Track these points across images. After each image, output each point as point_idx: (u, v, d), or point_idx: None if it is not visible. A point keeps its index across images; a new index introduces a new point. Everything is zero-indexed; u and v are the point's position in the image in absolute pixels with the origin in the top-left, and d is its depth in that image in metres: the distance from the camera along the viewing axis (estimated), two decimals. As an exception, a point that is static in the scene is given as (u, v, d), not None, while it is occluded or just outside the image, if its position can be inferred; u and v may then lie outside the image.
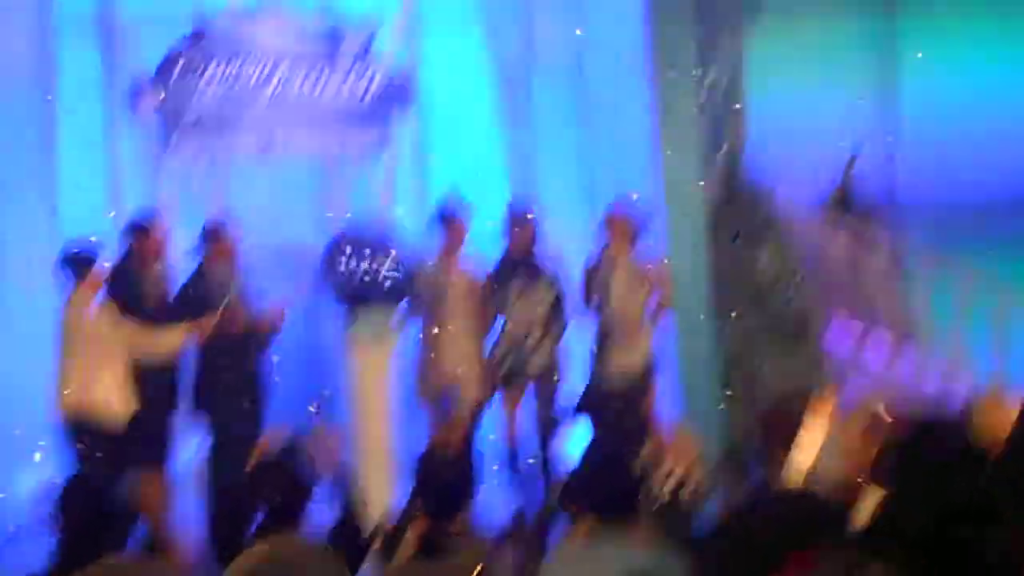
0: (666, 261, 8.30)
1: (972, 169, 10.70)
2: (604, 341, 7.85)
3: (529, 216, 8.02)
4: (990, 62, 10.54)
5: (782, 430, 5.14)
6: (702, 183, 8.66)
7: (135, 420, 7.13)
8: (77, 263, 7.15)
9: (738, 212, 8.70)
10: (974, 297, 9.10)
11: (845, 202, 10.49)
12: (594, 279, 7.91)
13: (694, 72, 8.53)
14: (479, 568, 4.19)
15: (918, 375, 9.03)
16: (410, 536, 4.71)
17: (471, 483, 4.89)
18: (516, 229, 7.93)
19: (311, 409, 7.82)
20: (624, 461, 4.71)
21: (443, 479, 4.78)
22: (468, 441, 7.89)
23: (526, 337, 7.92)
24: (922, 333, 9.30)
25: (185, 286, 7.54)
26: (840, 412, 6.42)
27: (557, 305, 7.94)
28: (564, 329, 8.00)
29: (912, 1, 10.61)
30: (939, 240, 10.50)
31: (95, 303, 7.11)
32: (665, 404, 8.07)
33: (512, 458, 8.03)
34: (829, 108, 10.52)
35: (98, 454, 6.93)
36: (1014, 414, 5.01)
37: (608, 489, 4.27)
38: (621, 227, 7.84)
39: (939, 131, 10.67)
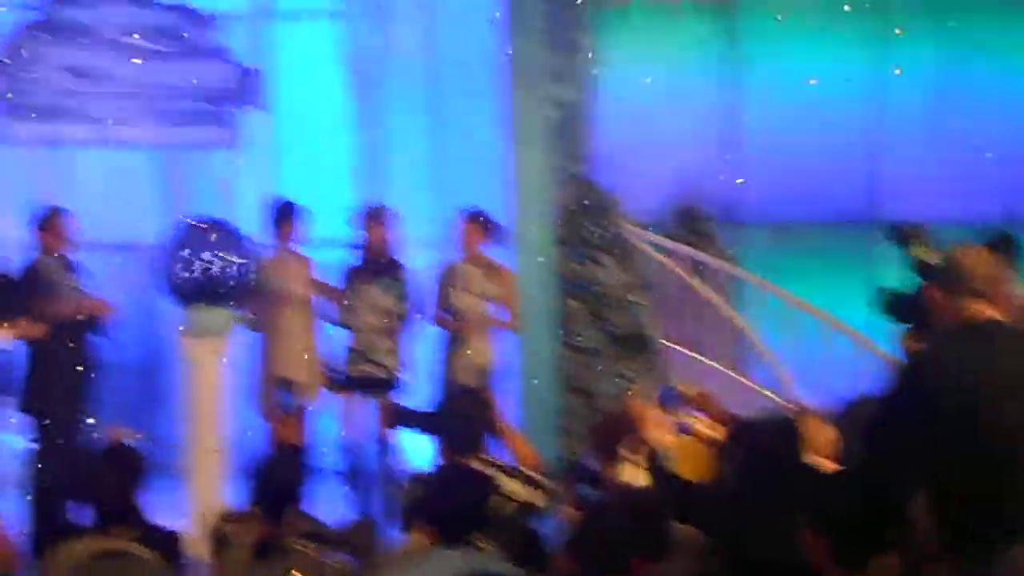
0: (514, 269, 8.36)
1: (809, 187, 10.99)
2: (450, 346, 7.85)
3: (384, 216, 7.98)
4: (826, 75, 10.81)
5: (611, 441, 5.21)
6: (551, 195, 8.74)
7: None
8: None
9: (586, 224, 8.80)
10: (800, 318, 9.33)
11: (689, 214, 10.69)
12: (443, 284, 7.91)
13: (548, 89, 8.62)
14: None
15: (748, 397, 9.23)
16: (242, 538, 4.65)
17: (302, 484, 4.84)
18: (370, 228, 7.89)
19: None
20: (465, 472, 4.72)
21: (275, 480, 4.72)
22: (301, 442, 7.83)
23: (369, 338, 7.87)
24: (752, 357, 9.51)
25: (18, 276, 7.32)
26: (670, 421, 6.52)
27: (402, 308, 7.91)
28: (408, 332, 7.96)
29: (753, 28, 10.86)
30: (774, 258, 10.77)
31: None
32: (507, 411, 8.10)
33: (351, 463, 7.98)
34: (675, 124, 10.70)
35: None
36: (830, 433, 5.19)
37: (449, 501, 4.26)
38: (471, 233, 7.85)
39: (779, 148, 10.92)
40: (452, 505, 4.22)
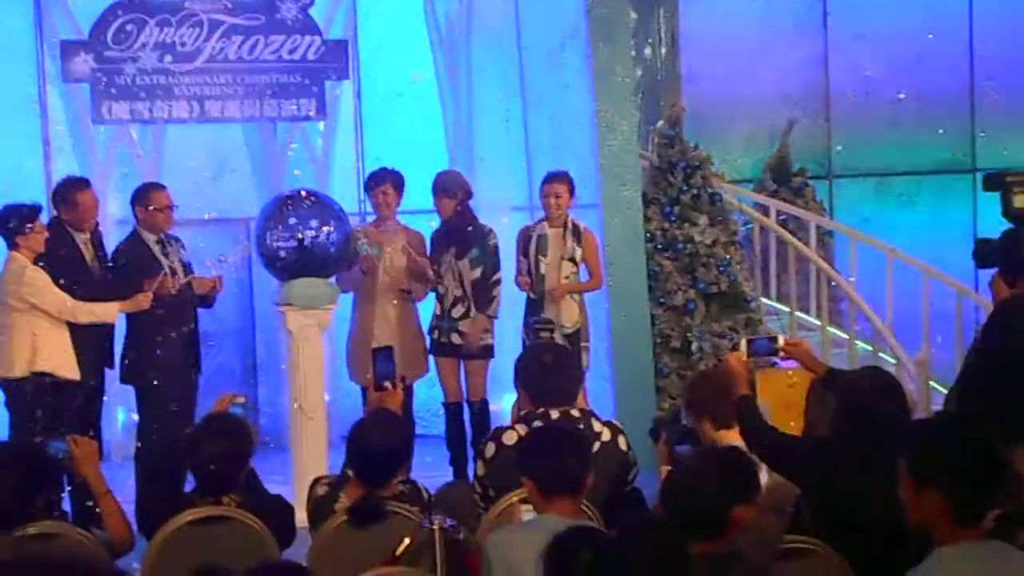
0: (604, 229, 8.36)
1: (903, 138, 10.87)
2: (533, 312, 7.86)
3: (460, 183, 7.97)
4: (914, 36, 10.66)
5: (706, 397, 5.21)
6: (640, 153, 8.72)
7: (75, 385, 7.09)
8: (14, 226, 7.05)
9: (676, 182, 8.76)
10: (900, 271, 9.23)
11: (783, 168, 10.61)
12: (527, 248, 7.92)
13: (631, 47, 8.58)
14: (407, 540, 4.19)
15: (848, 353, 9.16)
16: (342, 504, 4.72)
17: (403, 450, 4.88)
18: (446, 196, 7.89)
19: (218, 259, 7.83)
20: (559, 428, 4.75)
21: (375, 446, 4.77)
22: (402, 410, 7.91)
23: (452, 308, 7.91)
24: (850, 312, 9.42)
25: (118, 252, 7.46)
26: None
27: (484, 276, 7.91)
28: (490, 300, 7.96)
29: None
30: (871, 211, 10.67)
31: (32, 268, 7.03)
32: (596, 372, 8.13)
33: (449, 426, 8.04)
34: (765, 80, 10.61)
35: (39, 416, 6.88)
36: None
37: (545, 456, 4.28)
38: (553, 195, 7.83)
39: (872, 99, 10.80)
40: (549, 460, 4.24)
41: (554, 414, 5.04)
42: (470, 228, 7.86)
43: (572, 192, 7.85)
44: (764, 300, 9.44)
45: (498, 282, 7.91)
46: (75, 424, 6.73)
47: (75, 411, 7.04)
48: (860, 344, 9.31)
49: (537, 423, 5.01)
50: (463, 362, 7.96)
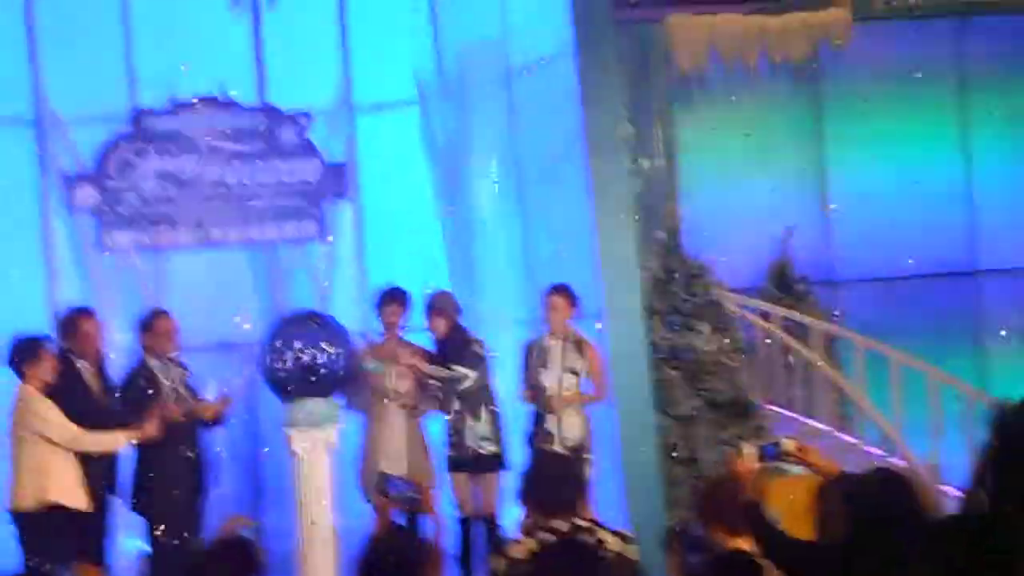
0: (607, 340, 8.35)
1: (904, 241, 10.92)
2: (538, 421, 7.86)
3: (450, 302, 8.04)
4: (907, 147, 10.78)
5: (717, 505, 5.17)
6: (640, 265, 8.75)
7: (83, 514, 7.05)
8: (26, 356, 7.07)
9: (678, 292, 8.79)
10: (907, 375, 9.20)
11: (783, 276, 10.65)
12: (529, 359, 7.94)
13: (627, 160, 8.66)
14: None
15: (858, 455, 9.10)
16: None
17: (416, 570, 4.83)
18: (438, 315, 7.96)
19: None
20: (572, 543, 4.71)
21: (386, 567, 4.72)
22: (411, 527, 7.85)
23: (462, 421, 7.91)
24: (858, 417, 9.39)
25: (125, 378, 7.47)
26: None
27: (482, 386, 7.94)
28: (495, 411, 7.97)
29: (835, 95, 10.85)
30: (874, 315, 10.67)
31: (41, 399, 7.04)
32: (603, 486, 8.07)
33: (461, 542, 7.98)
34: (762, 188, 10.70)
35: (49, 547, 6.82)
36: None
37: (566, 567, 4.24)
38: (555, 308, 7.87)
39: (865, 210, 10.87)
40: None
41: (562, 526, 4.99)
42: (463, 342, 7.91)
43: (573, 303, 7.88)
44: (771, 407, 9.41)
45: (466, 377, 7.89)
46: (83, 554, 6.70)
47: (82, 541, 6.99)
48: (871, 448, 9.26)
49: (544, 534, 4.96)
50: (474, 477, 7.94)
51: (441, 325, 7.92)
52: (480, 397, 7.91)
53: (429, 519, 5.24)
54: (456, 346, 7.89)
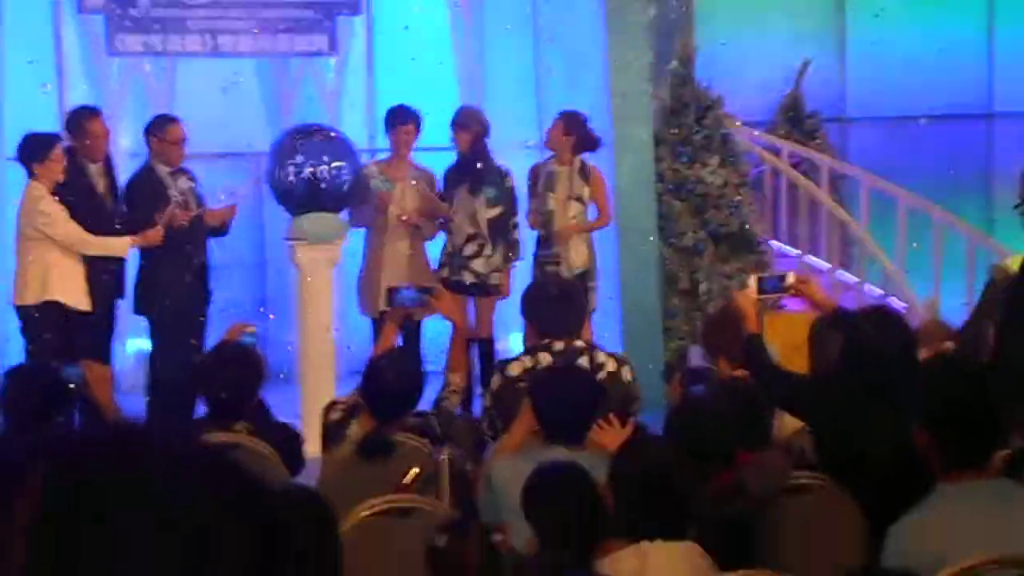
0: (615, 169, 8.35)
1: (918, 82, 10.81)
2: (543, 248, 7.89)
3: (475, 119, 7.98)
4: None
5: (719, 337, 5.24)
6: (651, 94, 8.69)
7: (87, 314, 7.14)
8: (35, 154, 7.08)
9: (688, 123, 8.75)
10: (912, 217, 9.21)
11: (796, 108, 10.58)
12: (535, 185, 7.93)
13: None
14: (415, 470, 4.24)
15: (857, 295, 9.16)
16: (354, 432, 4.77)
17: (417, 390, 4.93)
18: (464, 130, 7.91)
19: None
20: (565, 370, 4.79)
21: (389, 385, 4.83)
22: (411, 347, 7.95)
23: (464, 246, 7.93)
24: (860, 255, 9.42)
25: (132, 183, 7.48)
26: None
27: (503, 216, 7.94)
28: (512, 242, 8.00)
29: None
30: (886, 153, 10.63)
31: (49, 199, 7.06)
32: (604, 313, 8.15)
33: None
34: (779, 21, 10.55)
35: (55, 346, 6.93)
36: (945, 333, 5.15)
37: (549, 397, 4.33)
38: (562, 135, 7.84)
39: (885, 44, 10.74)
40: (552, 401, 4.28)
41: (558, 346, 5.06)
42: (484, 165, 7.88)
43: (572, 131, 7.82)
44: (774, 242, 9.45)
45: (516, 224, 7.95)
46: (87, 353, 6.81)
47: (87, 340, 7.10)
48: (871, 287, 9.32)
49: (542, 354, 5.05)
50: (472, 299, 8.00)
51: (465, 140, 7.88)
52: (499, 230, 7.92)
53: (444, 323, 5.33)
54: (478, 163, 7.86)
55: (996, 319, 5.04)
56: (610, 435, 4.23)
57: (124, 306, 7.60)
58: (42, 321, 7.04)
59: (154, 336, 7.52)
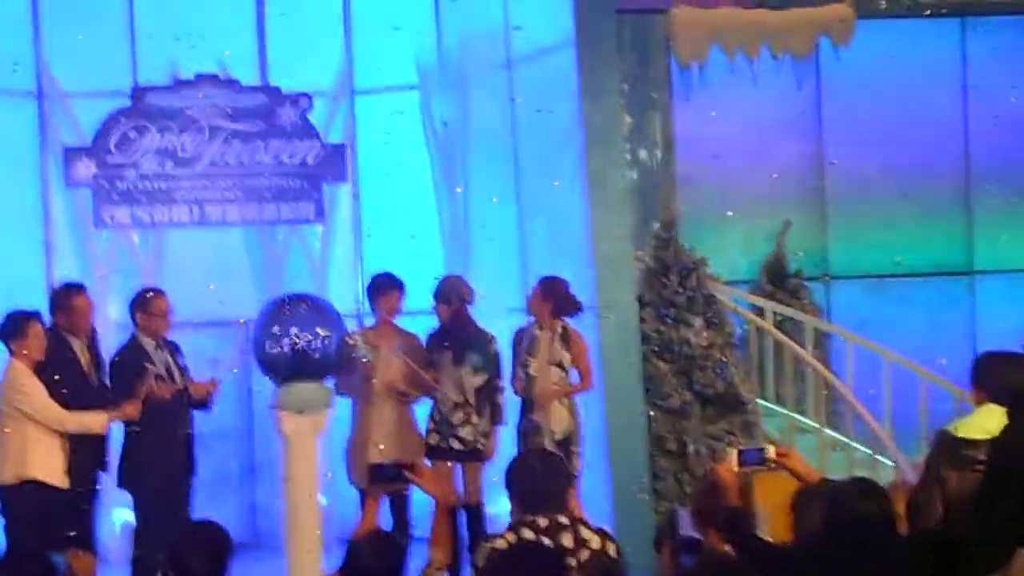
0: (598, 332, 8.38)
1: (898, 239, 10.94)
2: (525, 414, 7.90)
3: (460, 289, 8.05)
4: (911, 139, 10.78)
5: (709, 509, 5.21)
6: (634, 256, 8.78)
7: (67, 492, 7.09)
8: (14, 332, 7.11)
9: (671, 285, 8.81)
10: (899, 376, 9.22)
11: (777, 271, 10.67)
12: (518, 350, 7.97)
13: (625, 150, 8.68)
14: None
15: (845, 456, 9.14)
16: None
17: (400, 572, 4.88)
18: (445, 302, 7.97)
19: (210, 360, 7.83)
20: (537, 546, 4.75)
21: (369, 568, 4.78)
22: (399, 514, 7.90)
23: (452, 413, 7.94)
24: (847, 413, 9.41)
25: (116, 357, 7.50)
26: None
27: (489, 382, 7.97)
28: (497, 409, 8.02)
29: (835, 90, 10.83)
30: (869, 312, 10.70)
31: (28, 376, 7.07)
32: (591, 476, 8.12)
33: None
34: (760, 182, 10.70)
35: (34, 525, 6.87)
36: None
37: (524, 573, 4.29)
38: (544, 300, 7.90)
39: (866, 201, 10.88)
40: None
41: (542, 522, 5.03)
42: (468, 334, 7.93)
43: (550, 298, 7.88)
44: (761, 402, 9.44)
45: (502, 389, 7.98)
46: (72, 530, 6.75)
47: (70, 525, 7.02)
48: (859, 447, 9.30)
49: (525, 530, 5.01)
50: (460, 466, 7.98)
51: (445, 312, 7.95)
52: (485, 396, 7.94)
53: (428, 496, 5.29)
54: (460, 334, 7.91)
55: (942, 482, 5.12)
56: None
57: (108, 479, 7.55)
58: (21, 500, 6.99)
59: (138, 510, 7.47)
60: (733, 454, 5.08)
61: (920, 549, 3.68)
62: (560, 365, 7.88)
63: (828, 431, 9.38)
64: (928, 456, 5.66)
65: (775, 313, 9.99)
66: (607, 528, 5.33)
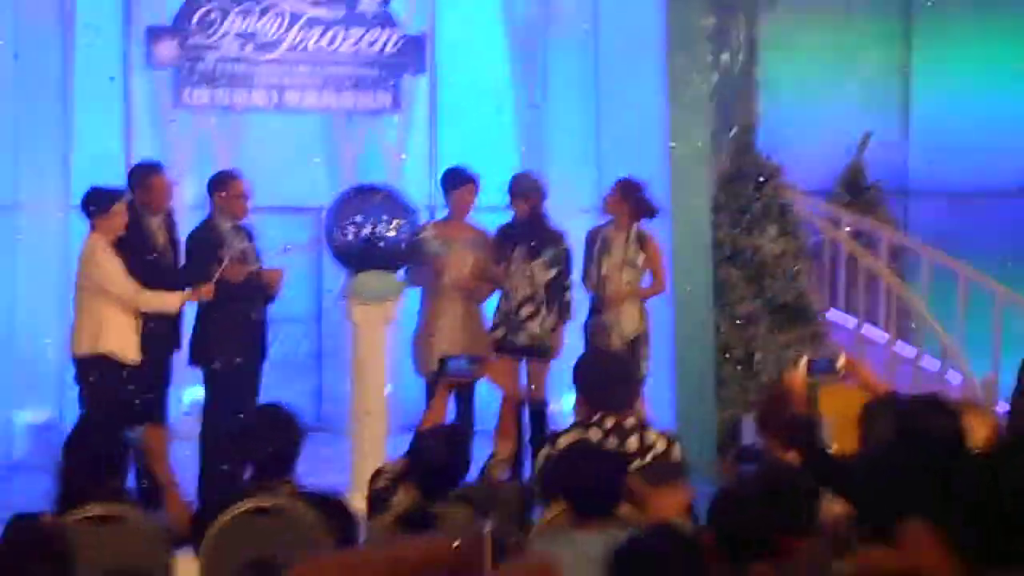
0: (672, 236, 8.35)
1: (983, 157, 10.74)
2: (595, 313, 7.90)
3: (535, 186, 8.03)
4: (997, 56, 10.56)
5: (774, 417, 5.21)
6: (711, 161, 8.70)
7: (140, 368, 7.21)
8: (99, 207, 7.18)
9: (747, 192, 8.74)
10: (974, 292, 9.12)
11: (857, 181, 10.54)
12: (591, 250, 7.95)
13: (707, 53, 8.56)
14: (456, 543, 4.24)
15: (913, 370, 9.08)
16: (398, 502, 4.78)
17: (463, 467, 4.93)
18: (522, 198, 7.95)
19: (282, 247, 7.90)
20: (597, 451, 4.78)
21: (435, 461, 4.83)
22: (464, 409, 7.96)
23: (520, 307, 7.95)
24: (919, 327, 9.34)
25: (192, 237, 7.57)
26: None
27: (558, 278, 7.97)
28: (566, 306, 8.02)
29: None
30: (947, 227, 10.56)
31: (106, 252, 7.16)
32: (657, 380, 8.13)
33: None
34: (842, 91, 10.54)
35: (107, 398, 7.01)
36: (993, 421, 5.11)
37: (583, 478, 4.33)
38: (619, 200, 7.87)
39: (949, 118, 10.69)
40: (586, 482, 4.28)
41: (608, 422, 5.07)
42: (543, 230, 7.92)
43: (628, 199, 7.84)
44: (831, 313, 9.39)
45: (571, 286, 7.98)
46: (144, 414, 6.87)
47: (143, 399, 7.15)
48: (929, 360, 9.24)
49: (593, 429, 5.05)
50: (525, 362, 8.01)
51: (523, 208, 7.94)
52: (554, 291, 7.95)
53: (495, 389, 5.35)
54: (535, 230, 7.91)
55: None
56: (668, 502, 4.25)
57: (180, 357, 7.67)
58: (95, 373, 7.12)
59: (208, 389, 7.58)
60: (802, 362, 5.06)
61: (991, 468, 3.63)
62: (634, 266, 7.87)
63: (899, 344, 9.32)
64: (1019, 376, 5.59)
65: (850, 224, 9.88)
66: (672, 432, 5.36)
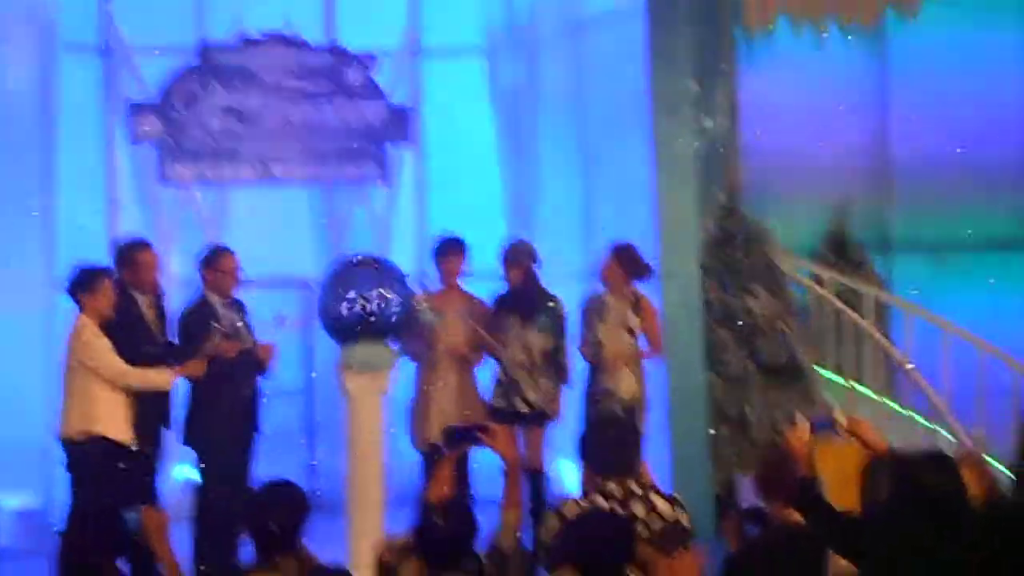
0: (662, 299, 8.38)
1: (963, 211, 10.83)
2: (594, 378, 7.91)
3: (528, 253, 8.05)
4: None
5: (776, 478, 5.20)
6: (698, 225, 8.75)
7: (131, 449, 7.13)
8: (84, 286, 7.12)
9: (735, 253, 8.79)
10: (958, 348, 9.15)
11: (840, 241, 10.59)
12: (587, 315, 7.97)
13: (691, 116, 8.64)
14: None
15: (903, 427, 9.10)
16: (406, 574, 4.74)
17: (469, 539, 4.89)
18: (515, 266, 7.97)
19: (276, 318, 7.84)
20: (605, 516, 4.77)
21: (442, 535, 4.80)
22: (459, 475, 7.91)
23: (517, 374, 7.95)
24: (905, 384, 9.36)
25: (184, 314, 7.53)
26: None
27: (554, 343, 7.98)
28: (563, 370, 8.03)
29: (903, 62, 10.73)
30: (931, 283, 10.62)
31: (95, 332, 7.10)
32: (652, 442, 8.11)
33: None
34: (824, 152, 10.62)
35: (100, 480, 6.92)
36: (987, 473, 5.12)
37: (594, 542, 4.31)
38: (615, 266, 7.90)
39: (931, 172, 10.78)
40: (595, 549, 4.27)
41: (615, 489, 5.05)
42: (537, 295, 7.94)
43: (625, 266, 7.88)
44: (820, 370, 9.41)
45: (567, 351, 7.98)
46: (141, 495, 6.78)
47: (138, 480, 7.06)
48: (918, 418, 9.26)
49: (598, 498, 5.03)
50: (522, 429, 8.00)
51: (516, 275, 7.95)
52: (550, 357, 7.95)
53: (498, 457, 5.30)
54: (529, 296, 7.92)
55: None
56: (679, 569, 4.23)
57: (171, 435, 7.61)
58: (87, 457, 7.02)
59: (201, 468, 7.52)
60: (805, 423, 5.06)
61: (996, 522, 3.65)
62: (630, 330, 7.89)
63: (888, 401, 9.34)
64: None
65: (836, 283, 9.92)
66: (678, 496, 5.34)
